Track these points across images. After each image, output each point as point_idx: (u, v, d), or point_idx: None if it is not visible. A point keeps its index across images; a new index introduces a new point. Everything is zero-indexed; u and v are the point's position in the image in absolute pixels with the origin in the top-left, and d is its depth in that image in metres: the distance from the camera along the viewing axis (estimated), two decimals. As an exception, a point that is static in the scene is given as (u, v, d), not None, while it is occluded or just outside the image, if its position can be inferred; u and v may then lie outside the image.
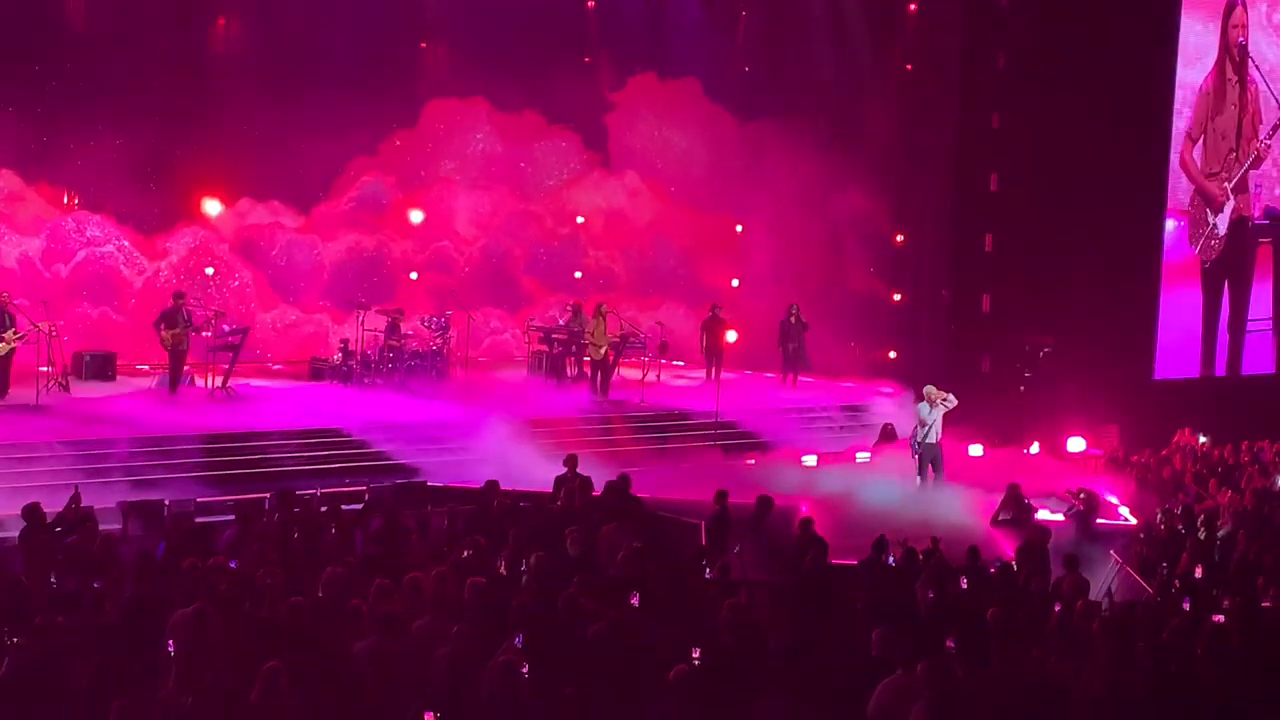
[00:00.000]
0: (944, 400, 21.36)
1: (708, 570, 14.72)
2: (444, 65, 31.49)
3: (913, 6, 31.65)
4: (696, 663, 11.21)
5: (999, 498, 20.06)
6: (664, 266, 32.92)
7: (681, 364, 29.21)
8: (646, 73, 33.32)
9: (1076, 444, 25.72)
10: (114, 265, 27.49)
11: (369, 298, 26.78)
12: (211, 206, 28.82)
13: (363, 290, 27.87)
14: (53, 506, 15.41)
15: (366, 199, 31.28)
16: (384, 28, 30.44)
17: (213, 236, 28.60)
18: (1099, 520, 20.25)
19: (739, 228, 32.81)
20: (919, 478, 21.33)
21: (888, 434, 23.49)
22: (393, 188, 31.60)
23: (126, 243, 27.83)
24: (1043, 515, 19.85)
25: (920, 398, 21.85)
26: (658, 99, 33.39)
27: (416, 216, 31.12)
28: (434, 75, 31.73)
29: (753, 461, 23.12)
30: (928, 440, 21.36)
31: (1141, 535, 18.72)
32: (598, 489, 18.07)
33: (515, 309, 31.12)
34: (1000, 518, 19.74)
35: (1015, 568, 16.26)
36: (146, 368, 25.16)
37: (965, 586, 14.83)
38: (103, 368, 24.23)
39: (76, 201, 28.14)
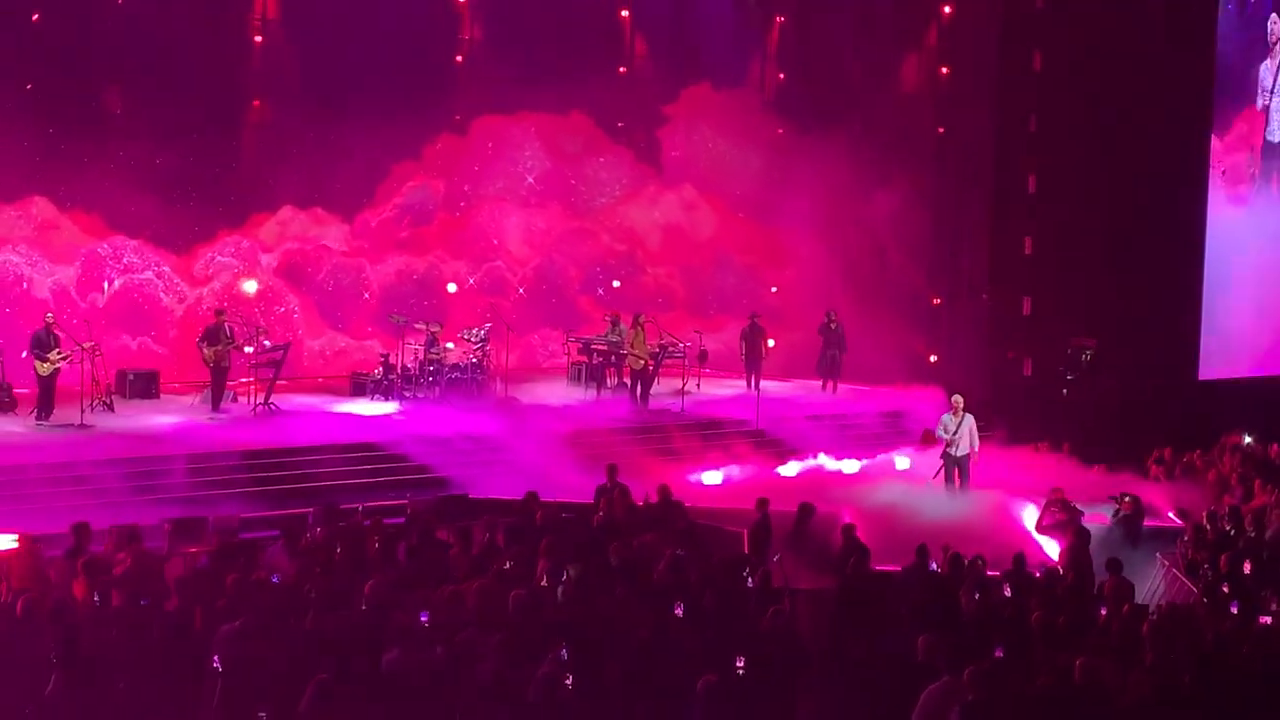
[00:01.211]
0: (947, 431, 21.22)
1: (749, 578, 14.69)
2: (489, 80, 31.27)
3: (947, 9, 31.56)
4: (741, 671, 11.21)
5: (1043, 502, 19.96)
6: (726, 284, 32.54)
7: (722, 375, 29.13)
8: (700, 84, 33.16)
9: (1120, 447, 25.52)
10: (153, 293, 27.41)
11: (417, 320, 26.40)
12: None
13: (412, 315, 27.16)
14: (99, 524, 15.51)
15: (412, 205, 31.27)
16: (427, 41, 30.56)
17: (256, 247, 28.73)
18: (1146, 522, 20.11)
19: (780, 235, 32.69)
20: (931, 481, 21.20)
21: (928, 439, 23.37)
22: (439, 194, 31.57)
23: (167, 268, 27.79)
24: (1089, 519, 19.72)
25: (951, 406, 21.63)
26: (710, 110, 33.18)
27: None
28: (479, 89, 31.56)
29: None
30: (951, 451, 21.14)
31: (1187, 537, 18.57)
32: (638, 498, 18.09)
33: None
34: (1045, 523, 19.62)
35: (1061, 572, 16.18)
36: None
37: (1010, 593, 14.75)
38: (146, 386, 24.36)
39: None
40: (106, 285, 27.06)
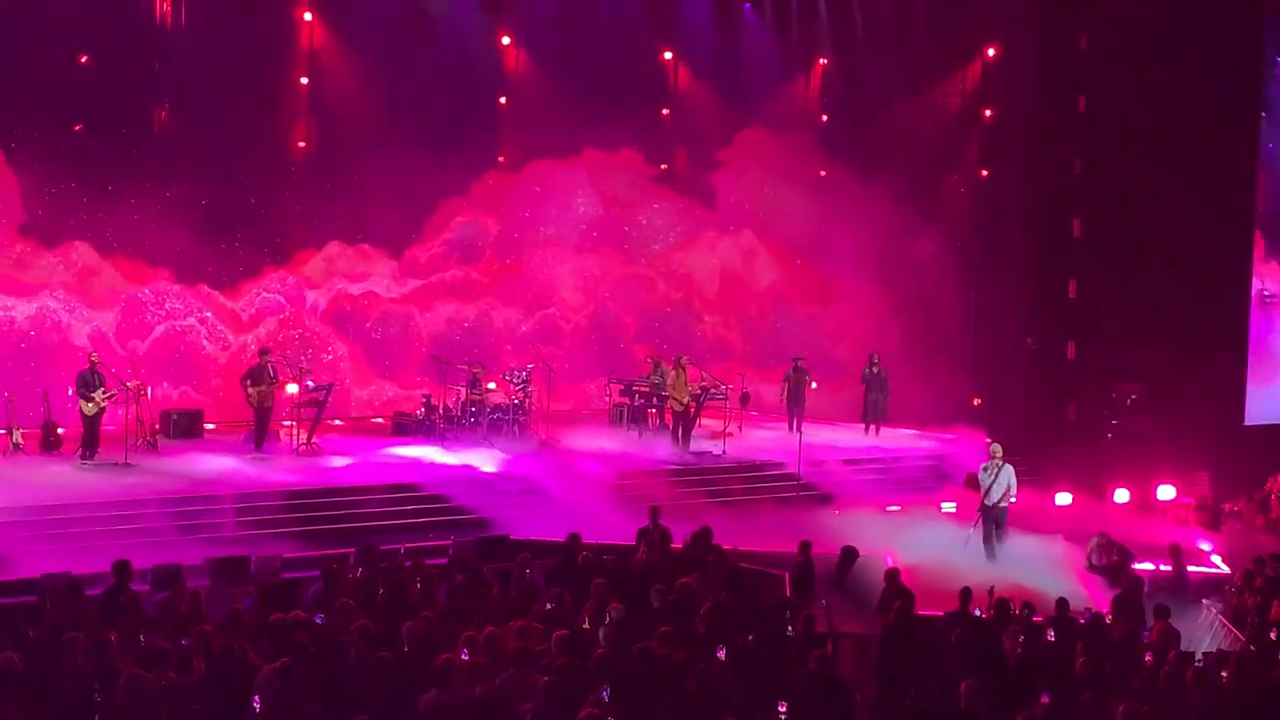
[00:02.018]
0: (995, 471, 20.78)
1: (791, 623, 14.59)
2: (537, 121, 31.36)
3: (991, 51, 31.56)
4: (783, 716, 11.13)
5: (1089, 545, 19.78)
6: (784, 332, 32.25)
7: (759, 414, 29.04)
8: (753, 127, 33.08)
9: (1167, 492, 25.32)
10: (195, 340, 27.47)
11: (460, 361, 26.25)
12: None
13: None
14: (142, 564, 15.55)
15: (462, 241, 31.29)
16: (473, 79, 30.71)
17: (301, 284, 28.79)
18: (1190, 568, 19.91)
19: (831, 278, 32.61)
20: (971, 530, 20.88)
21: (971, 483, 23.17)
22: (489, 230, 31.52)
23: (209, 314, 27.86)
24: (1137, 566, 19.55)
25: (989, 455, 21.30)
26: (764, 153, 33.11)
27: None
28: (527, 130, 31.66)
29: (837, 513, 22.93)
30: (986, 501, 20.81)
31: (1231, 587, 18.39)
32: (679, 541, 18.02)
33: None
34: (1094, 561, 19.42)
35: (1109, 618, 16.01)
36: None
37: (1053, 639, 14.61)
38: (190, 426, 24.45)
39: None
40: (140, 346, 26.95)
